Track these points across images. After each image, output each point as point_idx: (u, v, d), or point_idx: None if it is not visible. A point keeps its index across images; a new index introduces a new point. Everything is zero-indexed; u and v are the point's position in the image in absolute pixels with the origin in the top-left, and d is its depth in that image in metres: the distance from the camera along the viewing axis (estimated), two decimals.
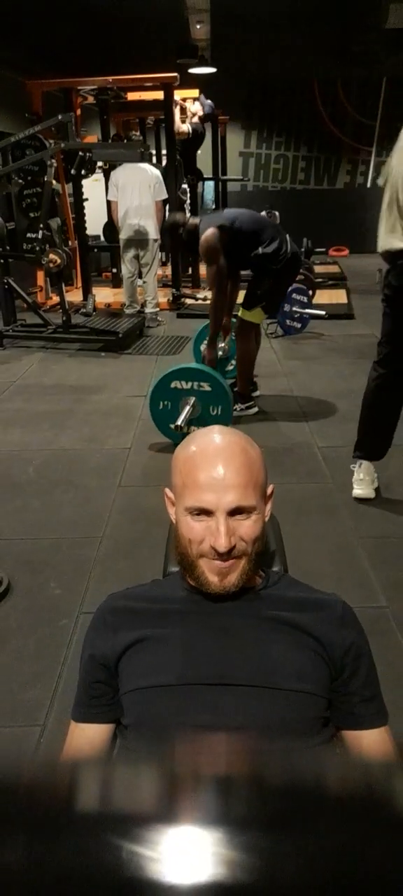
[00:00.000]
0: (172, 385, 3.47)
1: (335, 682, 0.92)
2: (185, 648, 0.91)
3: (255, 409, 4.15)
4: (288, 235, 3.88)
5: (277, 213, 10.75)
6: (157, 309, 6.94)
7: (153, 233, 6.51)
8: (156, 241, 6.57)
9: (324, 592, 1.01)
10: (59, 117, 5.73)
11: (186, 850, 0.22)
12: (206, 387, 3.45)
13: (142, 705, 0.90)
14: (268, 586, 0.98)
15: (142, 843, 0.22)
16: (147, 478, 3.30)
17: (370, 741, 0.91)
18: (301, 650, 0.91)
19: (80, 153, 6.00)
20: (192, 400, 3.45)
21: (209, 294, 4.19)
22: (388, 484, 3.19)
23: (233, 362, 4.47)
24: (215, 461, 0.91)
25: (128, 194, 6.38)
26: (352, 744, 0.92)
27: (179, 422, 3.38)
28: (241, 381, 4.15)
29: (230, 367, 4.60)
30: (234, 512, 0.90)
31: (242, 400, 4.12)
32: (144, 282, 6.82)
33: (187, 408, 3.42)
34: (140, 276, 6.83)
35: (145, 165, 6.48)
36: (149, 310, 6.84)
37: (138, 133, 9.52)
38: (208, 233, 3.64)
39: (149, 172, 6.40)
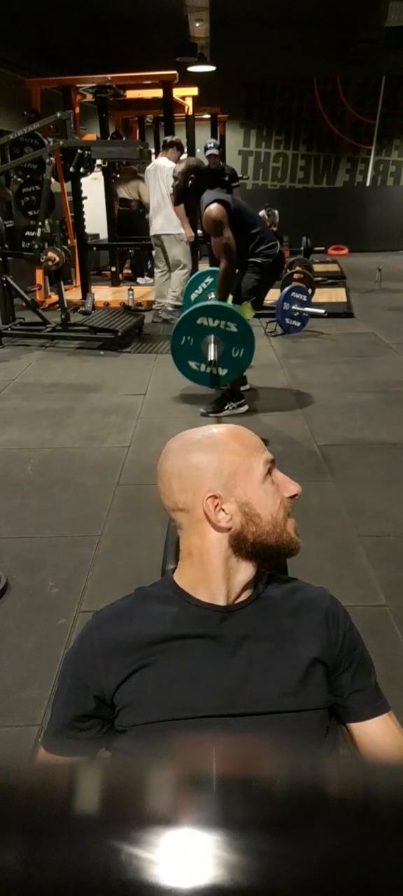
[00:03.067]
0: (198, 321, 3.42)
1: (331, 679, 0.91)
2: (191, 677, 0.85)
3: (246, 408, 4.14)
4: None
5: (277, 212, 10.76)
6: (177, 303, 6.61)
7: (171, 228, 6.43)
8: (178, 236, 6.45)
9: (311, 586, 0.98)
10: (58, 114, 5.72)
11: (185, 852, 0.22)
12: (233, 327, 3.41)
13: (145, 741, 0.83)
14: (262, 591, 0.94)
15: (140, 845, 0.22)
16: (146, 476, 3.28)
17: (374, 730, 0.89)
18: (304, 665, 0.88)
19: (79, 151, 5.98)
20: (213, 337, 3.41)
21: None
22: (388, 482, 3.18)
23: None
24: (241, 430, 0.94)
25: (151, 193, 6.57)
26: (357, 736, 0.91)
27: (211, 356, 3.37)
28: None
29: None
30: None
31: (233, 398, 4.11)
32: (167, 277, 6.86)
33: (212, 345, 3.38)
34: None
35: (162, 161, 6.48)
36: (166, 301, 6.82)
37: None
38: (211, 207, 3.62)
39: (167, 167, 6.27)
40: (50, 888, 0.21)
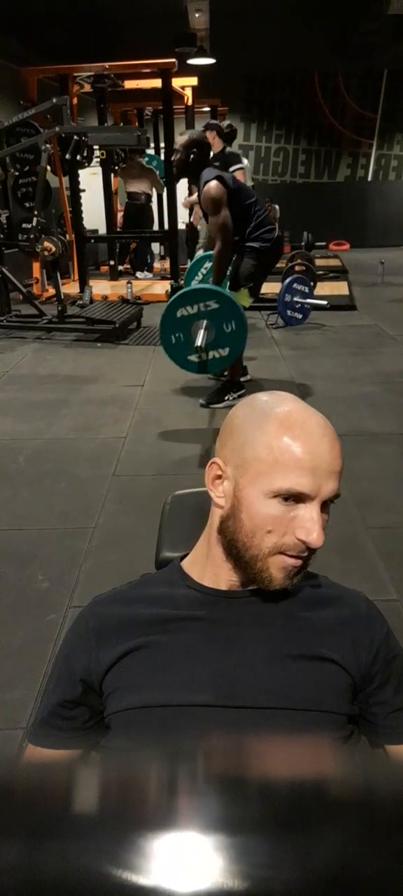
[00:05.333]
0: (179, 314, 3.28)
1: (362, 693, 0.78)
2: (187, 662, 0.76)
3: None
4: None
5: (277, 207, 10.63)
6: None
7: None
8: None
9: (344, 587, 0.86)
10: (54, 100, 5.59)
11: (184, 855, 0.21)
12: (213, 304, 3.25)
13: (133, 728, 0.74)
14: None
15: (138, 847, 0.21)
16: (143, 467, 3.15)
17: None
18: (318, 662, 0.77)
19: (75, 137, 5.84)
20: (204, 322, 3.26)
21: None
22: (396, 473, 3.05)
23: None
24: (322, 440, 0.73)
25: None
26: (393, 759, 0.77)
27: (199, 342, 3.20)
28: (231, 367, 4.00)
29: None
30: (326, 503, 0.75)
31: (233, 388, 3.98)
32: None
33: (201, 330, 3.24)
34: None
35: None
36: None
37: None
38: (211, 184, 3.49)
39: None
40: (45, 891, 0.21)
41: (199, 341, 3.21)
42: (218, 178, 3.50)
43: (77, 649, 0.81)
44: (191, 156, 3.59)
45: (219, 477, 0.79)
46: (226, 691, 0.74)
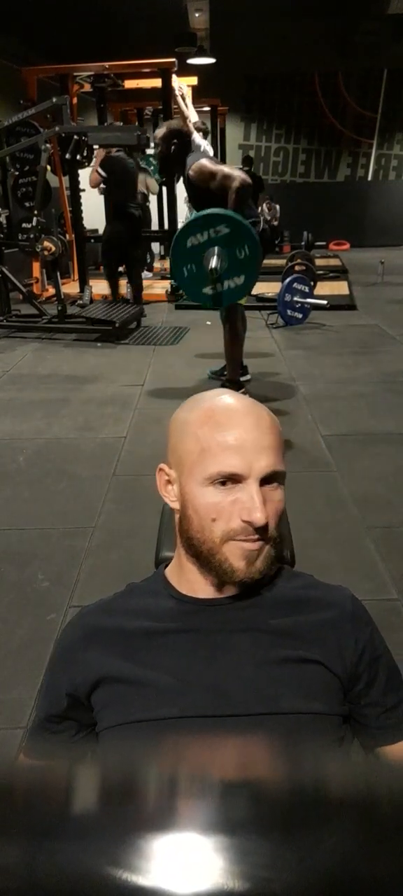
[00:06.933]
0: (189, 244, 3.16)
1: (351, 694, 0.78)
2: (176, 674, 0.76)
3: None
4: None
5: (277, 207, 10.64)
6: None
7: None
8: None
9: (329, 586, 0.85)
10: (54, 100, 5.59)
11: (184, 856, 0.21)
12: (223, 229, 3.11)
13: (131, 741, 0.74)
14: (266, 583, 0.82)
15: (138, 848, 0.21)
16: (143, 467, 3.15)
17: None
18: (306, 664, 0.76)
19: (75, 137, 5.84)
20: (216, 249, 3.14)
21: None
22: (395, 472, 3.05)
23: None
24: (244, 419, 0.75)
25: None
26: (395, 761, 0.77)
27: (213, 264, 3.08)
28: (231, 366, 3.99)
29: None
30: (265, 480, 0.74)
31: (233, 387, 3.97)
32: None
33: (214, 256, 3.12)
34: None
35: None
36: None
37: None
38: (201, 160, 3.43)
39: None
40: (45, 892, 0.21)
41: (213, 264, 3.08)
42: (205, 160, 3.47)
43: (63, 664, 0.81)
44: (172, 147, 3.57)
45: (169, 481, 0.80)
46: (215, 701, 0.73)
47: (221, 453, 0.73)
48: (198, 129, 5.41)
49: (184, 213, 8.00)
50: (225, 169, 3.45)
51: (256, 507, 0.72)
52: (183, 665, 0.75)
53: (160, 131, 3.65)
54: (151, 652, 0.77)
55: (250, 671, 0.74)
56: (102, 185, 6.17)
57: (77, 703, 0.78)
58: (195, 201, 3.74)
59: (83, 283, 7.13)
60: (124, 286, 7.35)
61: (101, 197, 8.21)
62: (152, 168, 8.93)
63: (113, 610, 0.83)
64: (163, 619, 0.79)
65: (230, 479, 0.73)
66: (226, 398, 0.78)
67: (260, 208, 7.28)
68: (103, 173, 6.04)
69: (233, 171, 3.43)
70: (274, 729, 0.72)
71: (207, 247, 3.15)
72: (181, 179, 3.78)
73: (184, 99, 4.43)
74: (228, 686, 0.74)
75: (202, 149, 3.65)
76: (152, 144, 6.23)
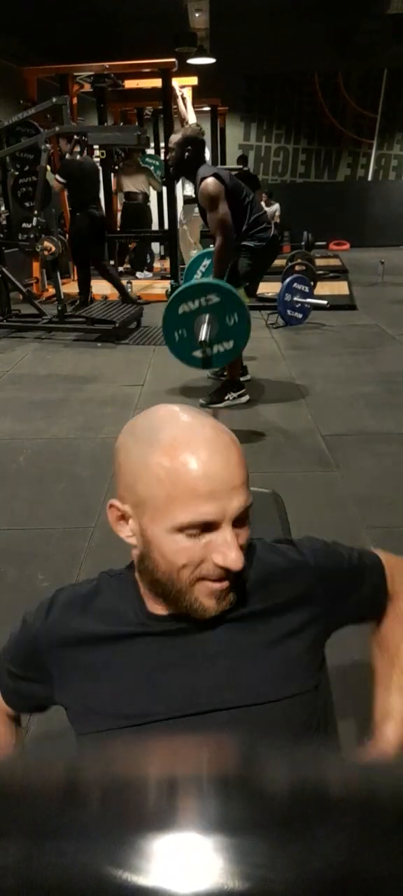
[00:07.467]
0: (180, 311, 3.26)
1: (330, 627, 0.84)
2: (145, 677, 0.74)
3: (247, 398, 3.99)
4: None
5: (277, 205, 10.65)
6: None
7: None
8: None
9: (287, 549, 0.85)
10: (54, 100, 5.59)
11: (184, 856, 0.21)
12: (214, 298, 3.22)
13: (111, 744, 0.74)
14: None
15: (138, 848, 0.21)
16: None
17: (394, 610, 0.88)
18: (281, 641, 0.76)
19: (75, 137, 5.84)
20: (207, 316, 3.24)
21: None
22: (396, 472, 3.05)
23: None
24: (214, 457, 0.68)
25: None
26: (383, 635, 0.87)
27: (202, 336, 3.18)
28: (231, 367, 3.99)
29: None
30: (237, 519, 0.70)
31: (233, 388, 3.97)
32: None
33: (204, 325, 3.22)
34: None
35: None
36: None
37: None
38: (208, 180, 3.47)
39: None
40: (45, 891, 0.21)
41: (203, 336, 3.19)
42: (215, 175, 3.50)
43: (29, 650, 0.83)
44: (186, 153, 3.58)
45: (123, 517, 0.74)
46: (190, 698, 0.72)
47: (191, 501, 0.67)
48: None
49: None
50: (221, 214, 3.49)
51: (233, 551, 0.68)
52: (153, 666, 0.75)
53: (175, 137, 3.68)
54: (121, 656, 0.76)
55: (221, 665, 0.74)
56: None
57: (40, 693, 0.83)
58: (202, 213, 3.81)
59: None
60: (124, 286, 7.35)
61: (102, 196, 8.25)
62: (153, 167, 8.95)
63: (84, 608, 0.80)
64: (130, 623, 0.77)
65: (201, 528, 0.69)
66: (187, 429, 0.70)
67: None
68: (61, 179, 6.21)
69: (226, 224, 3.50)
70: (250, 722, 0.72)
71: (198, 314, 3.24)
72: (180, 180, 3.83)
73: (184, 101, 4.44)
74: (201, 684, 0.73)
75: None
76: (161, 145, 6.31)
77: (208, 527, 0.68)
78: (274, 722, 0.72)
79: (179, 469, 0.67)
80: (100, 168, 6.84)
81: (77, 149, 6.24)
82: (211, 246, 3.95)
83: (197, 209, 3.90)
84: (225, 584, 0.71)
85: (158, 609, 0.77)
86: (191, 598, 0.71)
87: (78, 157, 6.27)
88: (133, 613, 0.78)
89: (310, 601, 0.79)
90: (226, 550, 0.68)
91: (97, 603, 0.80)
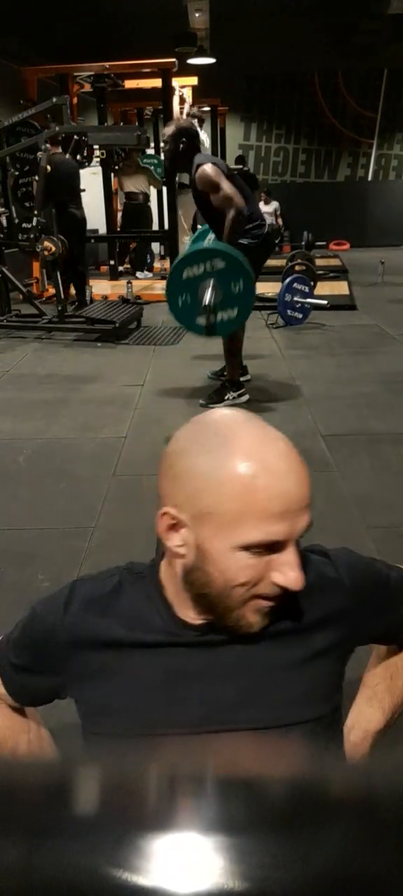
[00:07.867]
0: (185, 276, 3.23)
1: (359, 638, 0.84)
2: (167, 687, 0.73)
3: (247, 397, 3.99)
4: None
5: (277, 204, 10.65)
6: None
7: None
8: None
9: (324, 561, 0.83)
10: (54, 100, 5.59)
11: (184, 856, 0.21)
12: (219, 263, 3.18)
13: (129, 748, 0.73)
14: None
15: (138, 848, 0.21)
16: (143, 466, 3.15)
17: None
18: (309, 662, 0.74)
19: (76, 137, 5.84)
20: (211, 281, 3.20)
21: None
22: (396, 472, 3.05)
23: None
24: (288, 476, 0.65)
25: None
26: None
27: (206, 300, 3.15)
28: (230, 367, 3.98)
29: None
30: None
31: (233, 388, 3.97)
32: None
33: (208, 290, 3.18)
34: None
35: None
36: None
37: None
38: (205, 166, 3.46)
39: None
40: (45, 891, 0.21)
41: (207, 300, 3.15)
42: (212, 162, 3.49)
43: (40, 639, 0.79)
44: (181, 145, 3.58)
45: (174, 526, 0.70)
46: (210, 713, 0.71)
47: (264, 520, 0.64)
48: (194, 117, 5.43)
49: None
50: (227, 189, 3.46)
51: (295, 571, 0.66)
52: (176, 677, 0.73)
53: (169, 129, 3.67)
54: (142, 664, 0.74)
55: (244, 680, 0.72)
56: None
57: (53, 690, 0.81)
58: (198, 202, 3.78)
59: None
60: (124, 286, 7.36)
61: (101, 197, 8.25)
62: (153, 167, 8.95)
63: (105, 607, 0.77)
64: (154, 630, 0.75)
65: (267, 547, 0.66)
66: (261, 443, 0.67)
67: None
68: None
69: (235, 195, 3.45)
70: (271, 741, 0.71)
71: (203, 279, 3.21)
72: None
73: (182, 101, 4.46)
74: (220, 698, 0.72)
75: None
76: (161, 143, 6.28)
77: (274, 546, 0.66)
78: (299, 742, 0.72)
79: (256, 486, 0.64)
80: (78, 169, 6.76)
81: (58, 149, 6.22)
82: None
83: (191, 195, 3.86)
84: (276, 602, 0.70)
85: (190, 615, 0.74)
86: (239, 614, 0.69)
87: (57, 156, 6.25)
88: (159, 620, 0.74)
89: (341, 622, 0.77)
90: (289, 570, 0.66)
91: (120, 604, 0.77)
